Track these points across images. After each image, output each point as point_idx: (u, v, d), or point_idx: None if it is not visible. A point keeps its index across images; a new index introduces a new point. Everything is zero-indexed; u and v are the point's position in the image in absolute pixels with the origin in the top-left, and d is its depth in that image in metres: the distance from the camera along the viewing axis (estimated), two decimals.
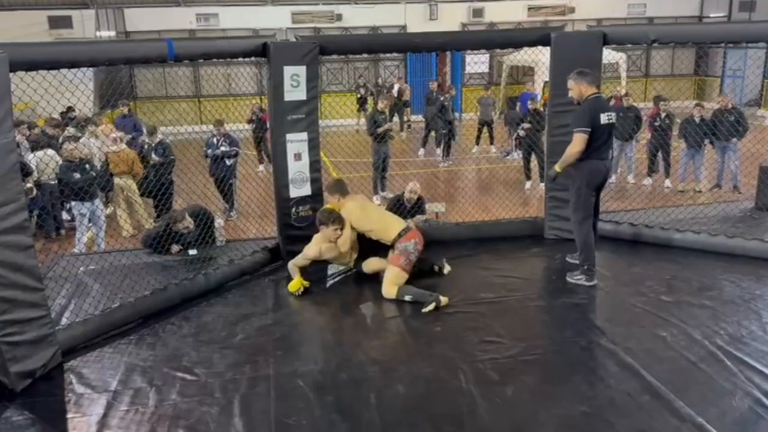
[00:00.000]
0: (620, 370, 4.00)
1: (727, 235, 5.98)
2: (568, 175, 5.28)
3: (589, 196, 5.23)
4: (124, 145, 9.15)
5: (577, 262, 5.41)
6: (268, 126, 10.95)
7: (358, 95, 17.74)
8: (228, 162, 9.11)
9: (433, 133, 13.96)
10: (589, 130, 5.01)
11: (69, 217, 8.87)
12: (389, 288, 5.14)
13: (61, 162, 8.14)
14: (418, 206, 7.10)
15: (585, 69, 5.24)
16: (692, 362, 4.06)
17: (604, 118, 5.08)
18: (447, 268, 5.68)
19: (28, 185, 7.73)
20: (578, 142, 5.04)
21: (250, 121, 11.54)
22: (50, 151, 8.82)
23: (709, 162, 10.23)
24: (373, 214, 5.53)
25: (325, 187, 5.87)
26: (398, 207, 6.99)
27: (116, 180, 8.79)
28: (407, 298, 5.06)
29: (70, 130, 9.85)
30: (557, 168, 5.22)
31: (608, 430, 3.43)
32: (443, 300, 4.95)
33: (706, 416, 3.47)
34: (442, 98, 13.05)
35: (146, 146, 9.24)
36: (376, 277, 5.43)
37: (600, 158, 5.15)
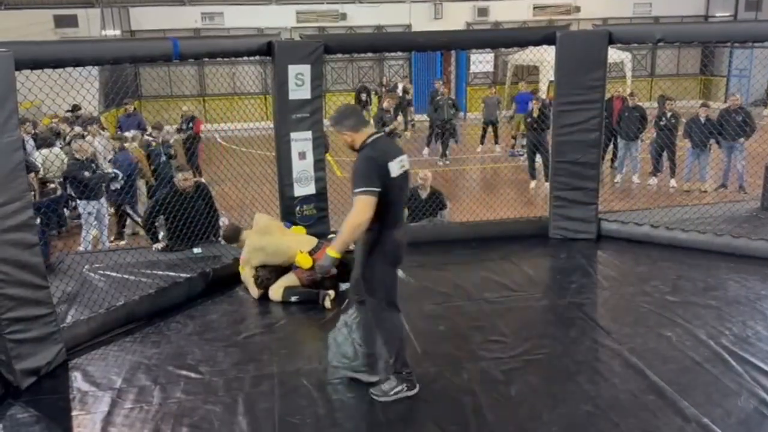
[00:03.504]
0: (625, 369, 3.99)
1: (732, 235, 5.96)
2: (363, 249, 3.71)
3: (392, 277, 3.81)
4: (135, 144, 9.17)
5: (375, 376, 3.84)
6: (200, 137, 10.80)
7: (359, 98, 17.62)
8: (113, 187, 7.93)
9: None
10: (378, 189, 3.45)
11: (69, 215, 8.87)
12: (275, 291, 5.14)
13: (68, 160, 8.16)
14: (434, 201, 7.04)
15: (346, 107, 3.83)
16: (697, 362, 4.04)
17: (395, 168, 3.53)
18: (327, 303, 5.12)
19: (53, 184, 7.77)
20: (364, 207, 3.43)
21: (179, 131, 10.72)
22: (56, 149, 8.85)
23: (715, 162, 10.19)
24: (275, 236, 5.40)
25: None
26: (412, 200, 6.97)
27: (138, 181, 8.80)
28: (293, 298, 5.10)
29: (77, 129, 9.88)
30: (333, 253, 3.54)
31: (613, 430, 3.42)
32: (330, 293, 5.01)
33: (711, 416, 3.46)
34: (438, 98, 13.07)
35: (153, 144, 9.23)
36: None
37: (398, 227, 3.66)
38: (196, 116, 11.30)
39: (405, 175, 3.67)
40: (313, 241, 5.30)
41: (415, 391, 3.75)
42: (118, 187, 7.93)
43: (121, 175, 7.97)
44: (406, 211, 3.91)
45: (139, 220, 8.04)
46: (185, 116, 11.29)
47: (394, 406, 3.70)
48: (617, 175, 11.02)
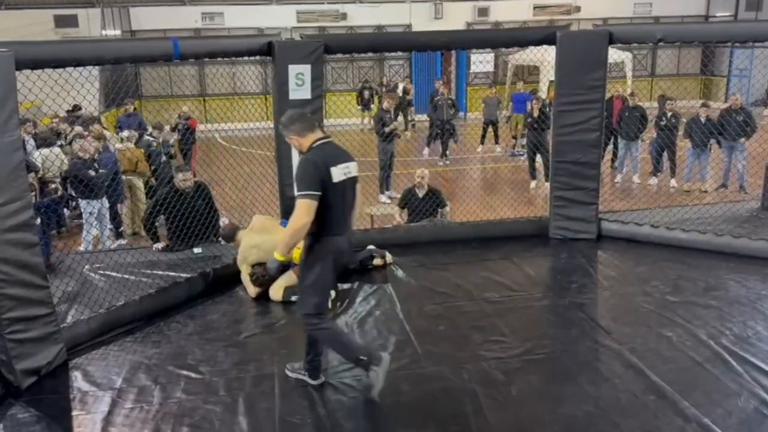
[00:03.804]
0: (625, 370, 3.99)
1: (733, 235, 5.96)
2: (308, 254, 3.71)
3: (327, 284, 3.75)
4: (131, 144, 9.17)
5: (319, 380, 3.92)
6: (195, 136, 10.73)
7: (361, 97, 17.64)
8: None
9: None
10: (319, 193, 3.49)
11: (69, 215, 8.87)
12: (276, 291, 5.15)
13: (70, 159, 8.17)
14: (433, 200, 7.05)
15: (296, 112, 3.85)
16: (698, 362, 4.04)
17: (338, 173, 3.56)
18: (389, 258, 5.73)
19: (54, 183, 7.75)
20: (303, 210, 3.48)
21: (174, 129, 10.52)
22: (56, 149, 8.85)
23: (715, 162, 10.19)
24: (270, 234, 5.38)
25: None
26: (410, 199, 7.00)
27: (123, 178, 8.80)
28: (294, 298, 5.05)
29: (78, 129, 9.88)
30: (278, 256, 3.61)
31: (613, 430, 3.42)
32: (332, 293, 4.97)
33: (711, 416, 3.46)
34: (437, 98, 13.08)
35: (155, 144, 9.21)
36: (382, 278, 5.47)
37: (339, 233, 3.66)
38: (191, 116, 11.27)
39: (351, 182, 3.69)
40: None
41: (384, 360, 3.71)
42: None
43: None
44: (356, 217, 3.93)
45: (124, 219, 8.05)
46: (182, 116, 11.26)
47: (395, 406, 3.70)
48: (617, 175, 11.02)
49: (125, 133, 9.89)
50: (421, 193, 7.02)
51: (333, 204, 3.57)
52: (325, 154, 3.62)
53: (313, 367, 3.93)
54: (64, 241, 8.48)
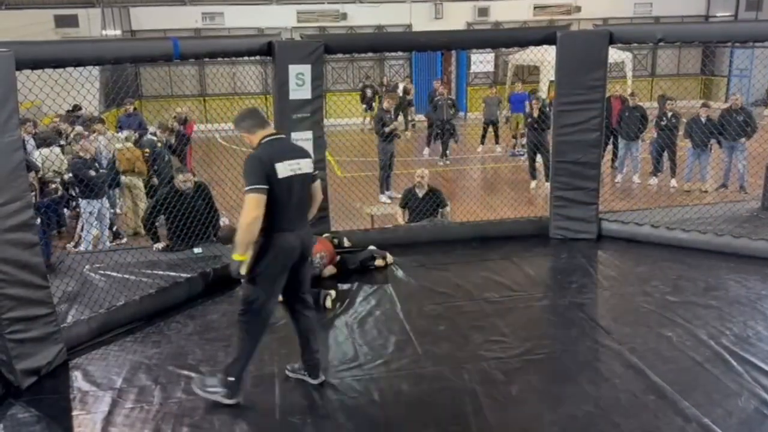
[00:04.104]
0: (625, 370, 3.99)
1: (733, 235, 5.95)
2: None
3: (274, 281, 3.69)
4: (129, 144, 9.16)
5: (320, 378, 3.94)
6: (189, 139, 10.63)
7: (364, 95, 17.68)
8: None
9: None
10: (265, 187, 3.50)
11: (69, 215, 8.87)
12: None
13: (70, 159, 8.17)
14: (433, 199, 7.05)
15: (248, 109, 3.90)
16: (698, 362, 4.04)
17: (284, 169, 3.57)
18: (390, 259, 5.76)
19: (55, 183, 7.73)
20: (251, 205, 3.47)
21: (170, 132, 10.12)
22: (56, 149, 8.85)
23: (715, 162, 10.19)
24: None
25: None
26: (410, 199, 7.00)
27: (122, 178, 8.80)
28: None
29: (78, 128, 9.88)
30: (235, 256, 3.55)
31: (613, 430, 3.42)
32: (331, 293, 5.04)
33: (711, 416, 3.46)
34: (437, 98, 13.09)
35: (159, 144, 9.18)
36: (382, 278, 5.47)
37: (288, 230, 3.65)
38: (189, 118, 11.23)
39: (300, 178, 3.67)
40: None
41: (233, 401, 3.70)
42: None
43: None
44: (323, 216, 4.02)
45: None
46: (178, 117, 11.21)
47: (395, 406, 3.70)
48: (618, 175, 11.01)
49: (125, 133, 9.88)
50: (421, 193, 7.03)
51: (280, 200, 3.56)
52: (272, 150, 3.63)
53: (312, 366, 3.93)
54: (65, 240, 8.48)
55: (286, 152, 3.69)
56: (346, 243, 5.94)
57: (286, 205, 3.60)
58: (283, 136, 3.88)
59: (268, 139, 3.67)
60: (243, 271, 3.58)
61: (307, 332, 3.91)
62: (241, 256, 3.54)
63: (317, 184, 3.89)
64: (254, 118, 3.75)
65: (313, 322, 3.97)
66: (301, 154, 3.78)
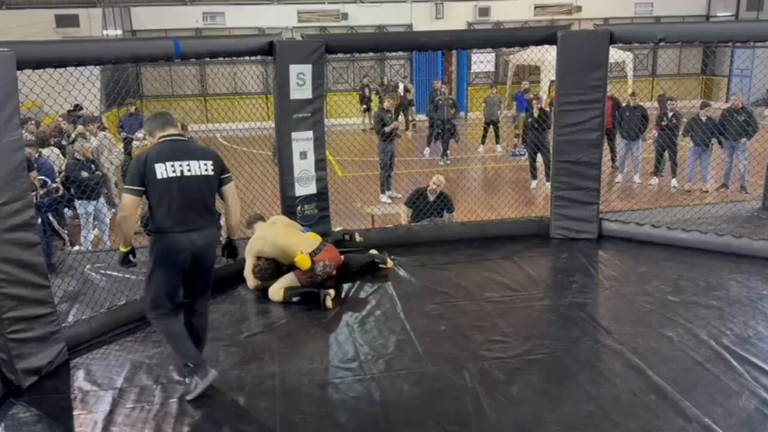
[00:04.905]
0: (626, 369, 3.99)
1: (734, 235, 5.95)
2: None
3: (164, 281, 3.74)
4: (146, 142, 9.15)
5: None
6: None
7: (362, 94, 17.69)
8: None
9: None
10: (141, 189, 3.56)
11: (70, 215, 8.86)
12: (276, 292, 5.15)
13: (68, 159, 8.16)
14: (443, 202, 7.07)
15: (157, 112, 3.99)
16: (699, 362, 4.04)
17: (164, 170, 3.57)
18: (389, 263, 5.73)
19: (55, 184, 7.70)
20: (124, 204, 3.61)
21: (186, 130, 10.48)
22: (56, 149, 8.85)
23: (716, 162, 10.19)
24: (277, 230, 5.43)
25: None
26: (419, 200, 6.99)
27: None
28: (295, 299, 5.13)
29: (80, 128, 9.88)
30: (121, 248, 3.79)
31: (614, 430, 3.42)
32: (331, 292, 5.04)
33: (712, 416, 3.46)
34: (437, 98, 13.10)
35: None
36: (382, 277, 5.47)
37: (176, 231, 3.64)
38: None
39: (192, 180, 3.66)
40: (315, 243, 5.28)
41: (209, 376, 3.76)
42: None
43: (48, 181, 7.54)
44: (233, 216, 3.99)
45: (61, 230, 7.91)
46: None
47: (395, 406, 3.70)
48: (618, 174, 11.01)
49: (140, 134, 9.88)
50: (432, 198, 7.02)
51: (162, 201, 3.59)
52: (160, 150, 3.66)
53: (195, 365, 3.80)
54: (63, 241, 8.47)
55: (175, 153, 3.66)
56: (358, 238, 5.97)
57: (169, 205, 3.61)
58: (180, 138, 3.82)
59: (162, 140, 3.71)
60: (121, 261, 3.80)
61: (193, 333, 3.93)
62: (123, 248, 3.77)
63: (227, 187, 3.86)
64: (155, 120, 3.80)
65: (204, 328, 4.03)
66: (198, 155, 3.74)
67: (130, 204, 3.60)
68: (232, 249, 4.16)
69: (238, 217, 4.01)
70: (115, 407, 3.75)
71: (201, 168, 3.70)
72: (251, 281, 5.33)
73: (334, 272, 5.33)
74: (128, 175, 3.61)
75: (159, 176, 3.57)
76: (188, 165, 3.65)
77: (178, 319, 3.86)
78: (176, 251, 3.67)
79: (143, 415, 3.67)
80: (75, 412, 3.75)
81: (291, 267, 5.24)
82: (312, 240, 5.34)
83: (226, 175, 3.86)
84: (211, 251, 3.87)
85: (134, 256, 3.83)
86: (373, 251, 5.86)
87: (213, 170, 3.75)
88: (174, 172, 3.60)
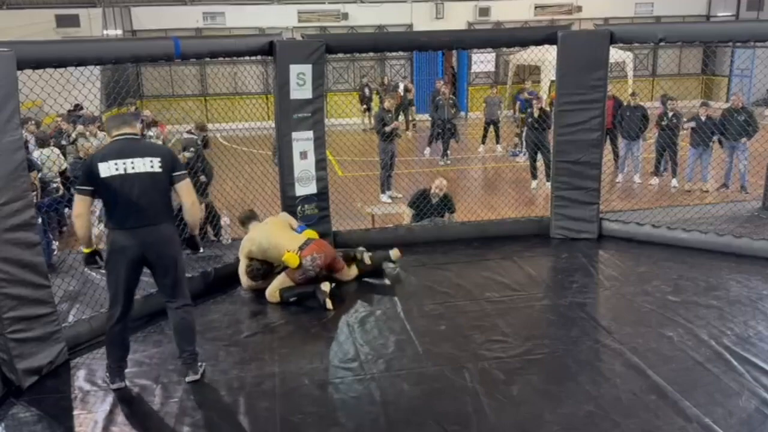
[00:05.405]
0: (626, 369, 3.99)
1: (734, 235, 5.95)
2: None
3: (119, 278, 3.78)
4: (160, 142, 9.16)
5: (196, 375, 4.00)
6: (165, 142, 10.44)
7: (362, 94, 17.69)
8: None
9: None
10: (89, 188, 3.66)
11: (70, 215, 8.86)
12: (272, 294, 5.15)
13: (72, 159, 8.17)
14: (445, 204, 7.08)
15: (120, 113, 4.14)
16: (699, 362, 4.04)
17: (107, 169, 3.63)
18: (367, 260, 5.53)
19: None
20: (74, 205, 3.73)
21: (142, 135, 10.25)
22: (56, 149, 8.85)
23: (717, 162, 10.19)
24: (266, 230, 5.40)
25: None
26: (422, 201, 6.99)
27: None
28: (292, 299, 5.12)
29: (80, 128, 9.88)
30: (83, 248, 3.88)
31: (614, 430, 3.42)
32: (326, 286, 5.03)
33: (712, 416, 3.46)
34: (438, 97, 13.10)
35: (199, 142, 9.06)
36: (382, 277, 5.47)
37: (122, 228, 3.71)
38: (157, 120, 11.21)
39: (136, 177, 3.69)
40: (301, 239, 5.24)
41: (114, 386, 3.91)
42: None
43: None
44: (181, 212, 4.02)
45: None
46: (146, 119, 11.06)
47: (395, 406, 3.70)
48: (618, 174, 11.01)
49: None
50: (435, 200, 7.03)
51: (107, 199, 3.70)
52: (106, 150, 3.76)
53: (184, 366, 3.98)
54: (66, 240, 8.48)
55: (121, 152, 3.69)
56: (367, 261, 5.55)
57: (115, 203, 3.69)
58: (130, 136, 3.81)
59: (113, 139, 3.78)
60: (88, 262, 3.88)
61: (174, 331, 4.01)
62: (85, 249, 3.85)
63: (180, 185, 3.84)
64: (113, 120, 3.87)
65: (182, 324, 3.99)
66: (144, 153, 3.75)
67: (80, 204, 3.68)
68: (192, 244, 4.21)
69: (195, 214, 3.99)
70: (116, 407, 3.75)
71: (146, 165, 3.71)
72: (244, 281, 5.34)
73: (355, 272, 5.33)
74: (79, 176, 3.74)
75: (103, 175, 3.63)
76: (132, 162, 3.68)
77: (123, 327, 3.92)
78: (123, 248, 3.71)
79: (143, 415, 3.66)
80: (75, 412, 3.75)
81: (285, 267, 5.24)
82: (300, 237, 5.30)
83: (178, 173, 3.83)
84: (165, 248, 3.83)
85: (101, 258, 3.86)
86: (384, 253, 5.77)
87: (161, 167, 3.75)
88: (117, 170, 3.65)
